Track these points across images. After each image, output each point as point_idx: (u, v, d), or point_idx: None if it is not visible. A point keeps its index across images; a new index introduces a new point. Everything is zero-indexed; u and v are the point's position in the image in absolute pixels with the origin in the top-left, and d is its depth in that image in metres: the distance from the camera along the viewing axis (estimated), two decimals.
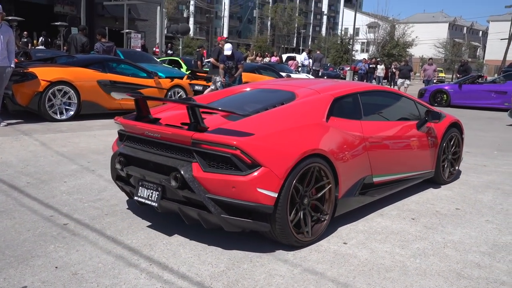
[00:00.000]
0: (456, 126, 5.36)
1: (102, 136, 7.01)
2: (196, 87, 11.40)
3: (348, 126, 3.83)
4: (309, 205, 3.35)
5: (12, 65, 7.24)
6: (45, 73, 7.80)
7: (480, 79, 16.80)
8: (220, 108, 3.45)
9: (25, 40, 18.56)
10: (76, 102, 8.13)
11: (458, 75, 19.60)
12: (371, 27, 49.24)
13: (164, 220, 3.66)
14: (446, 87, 16.21)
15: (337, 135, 3.62)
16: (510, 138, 9.03)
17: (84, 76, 8.31)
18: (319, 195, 3.43)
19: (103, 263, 2.89)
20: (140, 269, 2.83)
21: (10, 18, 16.20)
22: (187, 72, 12.97)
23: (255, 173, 2.97)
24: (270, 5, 79.31)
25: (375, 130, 4.10)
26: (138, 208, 3.90)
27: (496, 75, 30.34)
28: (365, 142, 3.88)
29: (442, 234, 3.66)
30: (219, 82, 10.49)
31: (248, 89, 4.63)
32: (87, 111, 8.38)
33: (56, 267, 2.80)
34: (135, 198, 3.41)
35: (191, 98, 4.21)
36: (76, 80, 8.09)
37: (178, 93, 9.92)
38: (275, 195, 3.03)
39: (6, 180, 4.49)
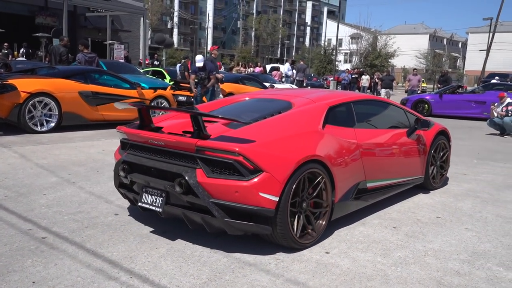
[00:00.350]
0: (443, 134, 5.56)
1: (84, 147, 6.93)
2: (180, 98, 11.38)
3: (342, 133, 4.00)
4: (307, 209, 3.48)
5: None
6: (25, 85, 7.70)
7: (460, 89, 17.13)
8: (223, 116, 3.60)
9: (6, 51, 18.32)
10: (57, 113, 8.04)
11: (439, 85, 19.94)
12: (353, 38, 49.91)
13: (146, 232, 3.62)
14: (427, 97, 16.48)
15: (333, 142, 3.79)
16: (489, 147, 9.20)
17: (65, 87, 8.22)
18: (317, 199, 3.57)
19: (82, 277, 2.84)
20: (121, 282, 2.79)
21: None
22: (171, 83, 12.94)
23: (257, 178, 3.10)
24: (254, 16, 79.89)
25: (368, 137, 4.28)
26: (119, 220, 3.85)
27: (475, 85, 30.96)
28: (359, 148, 4.05)
29: (423, 243, 3.69)
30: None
31: (246, 98, 4.78)
32: (68, 123, 8.29)
33: (33, 282, 2.74)
34: (139, 204, 3.51)
35: (194, 107, 4.35)
36: (57, 91, 8.01)
37: (161, 103, 9.88)
38: (277, 199, 3.17)
39: None
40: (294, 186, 3.26)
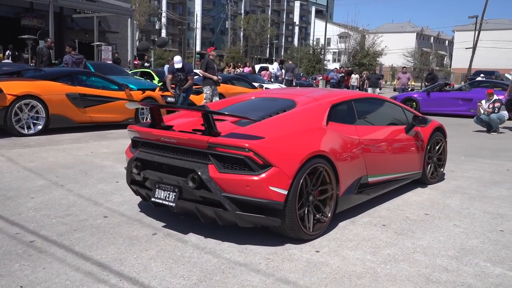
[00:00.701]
0: (440, 130, 5.77)
1: (72, 150, 6.88)
2: (169, 99, 11.33)
3: (345, 130, 4.18)
4: (314, 202, 3.66)
5: None
6: (11, 87, 7.62)
7: (447, 87, 17.29)
8: (235, 114, 3.80)
9: None
10: (44, 116, 7.96)
11: (426, 83, 20.12)
12: (342, 37, 50.13)
13: (136, 234, 3.61)
14: (415, 95, 16.62)
15: (337, 138, 3.97)
16: (476, 144, 9.31)
17: (52, 90, 8.15)
18: (322, 192, 3.75)
19: (71, 280, 2.82)
20: (110, 285, 2.77)
21: None
22: (159, 84, 12.88)
23: (267, 173, 3.27)
24: (242, 16, 79.85)
25: (369, 134, 4.47)
26: (108, 223, 3.83)
27: (462, 83, 31.29)
28: (361, 144, 4.23)
29: (412, 240, 3.72)
30: (209, 92, 10.52)
31: (252, 98, 4.96)
32: (56, 125, 8.21)
33: (21, 287, 2.71)
34: (152, 199, 3.65)
35: (205, 106, 4.57)
36: (44, 93, 7.93)
37: None
38: (285, 192, 3.33)
39: None
40: (301, 180, 3.42)
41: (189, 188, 3.37)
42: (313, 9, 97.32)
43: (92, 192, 4.73)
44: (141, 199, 4.50)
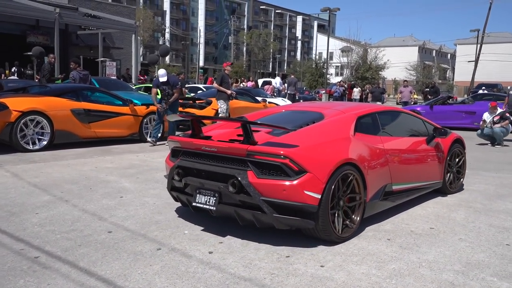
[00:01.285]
0: (459, 142, 6.01)
1: (77, 165, 6.91)
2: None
3: (370, 140, 4.46)
4: (344, 206, 3.91)
5: None
6: (16, 103, 7.69)
7: (450, 100, 17.31)
8: (273, 125, 4.15)
9: None
10: (49, 131, 8.02)
11: (430, 96, 20.15)
12: (344, 51, 50.40)
13: (140, 250, 3.60)
14: (418, 108, 16.61)
15: (364, 148, 4.24)
16: (479, 157, 9.28)
17: (57, 105, 8.22)
18: (352, 197, 4.00)
19: None
20: None
21: None
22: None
23: (302, 178, 3.54)
24: (245, 31, 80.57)
25: (393, 144, 4.74)
26: (112, 238, 3.83)
27: (465, 96, 31.29)
28: (386, 154, 4.49)
29: (417, 254, 3.70)
30: (224, 106, 10.54)
31: (282, 110, 5.33)
32: (60, 141, 8.26)
33: None
34: (193, 204, 3.92)
35: (243, 117, 4.94)
36: (49, 109, 8.00)
37: (154, 119, 9.87)
38: (319, 196, 3.60)
39: None
40: (333, 185, 3.69)
41: (229, 193, 3.64)
42: (315, 23, 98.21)
43: (96, 207, 4.74)
44: (144, 215, 4.51)
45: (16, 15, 18.30)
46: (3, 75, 19.10)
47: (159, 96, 9.70)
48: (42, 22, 22.61)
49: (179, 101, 12.08)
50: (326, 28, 70.42)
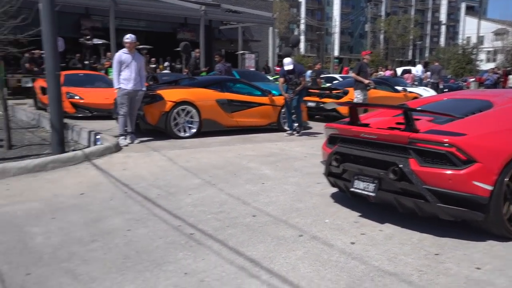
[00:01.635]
0: None
1: (222, 152, 7.39)
2: (309, 104, 11.49)
3: None
4: None
5: (144, 89, 8.01)
6: (170, 95, 8.49)
7: None
8: (438, 112, 3.98)
9: (153, 66, 20.45)
10: (197, 120, 8.70)
11: None
12: (498, 34, 45.13)
13: (283, 234, 3.71)
14: None
15: None
16: None
17: (204, 96, 8.87)
18: None
19: (226, 272, 3.02)
20: (261, 281, 2.90)
21: (141, 46, 18.03)
22: None
23: (471, 168, 3.37)
24: (383, 18, 77.15)
25: None
26: (256, 222, 4.01)
27: None
28: None
29: None
30: (360, 96, 10.43)
31: (444, 99, 5.14)
32: (207, 129, 8.91)
33: (185, 273, 3.00)
34: (351, 189, 4.00)
35: (404, 104, 4.89)
36: (197, 100, 8.68)
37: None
38: (491, 188, 3.40)
39: (140, 192, 4.96)
40: (506, 178, 3.44)
41: (389, 180, 3.62)
42: (463, 5, 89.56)
43: (240, 192, 5.01)
44: (284, 201, 4.63)
45: (167, 14, 20.24)
46: (157, 69, 21.29)
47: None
48: (189, 19, 24.56)
49: (314, 91, 12.13)
50: (476, 10, 63.80)
